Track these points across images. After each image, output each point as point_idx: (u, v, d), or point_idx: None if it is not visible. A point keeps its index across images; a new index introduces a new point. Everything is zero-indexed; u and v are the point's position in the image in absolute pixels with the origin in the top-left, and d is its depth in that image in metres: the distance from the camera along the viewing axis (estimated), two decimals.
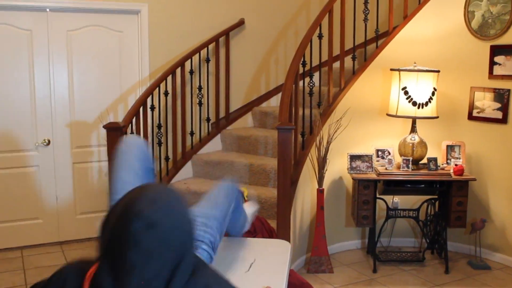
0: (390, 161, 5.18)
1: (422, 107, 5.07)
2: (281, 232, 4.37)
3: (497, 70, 5.23)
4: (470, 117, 5.46)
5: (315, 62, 5.38)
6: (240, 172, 5.53)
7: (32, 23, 5.51)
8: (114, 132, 4.68)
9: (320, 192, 5.06)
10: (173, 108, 5.71)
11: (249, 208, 3.41)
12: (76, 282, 1.66)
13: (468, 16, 5.40)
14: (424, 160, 5.24)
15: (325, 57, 5.37)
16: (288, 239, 4.36)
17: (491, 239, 5.45)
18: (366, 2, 5.43)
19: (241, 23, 6.26)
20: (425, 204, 5.42)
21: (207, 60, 5.96)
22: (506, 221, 5.32)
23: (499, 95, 5.21)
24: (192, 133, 5.92)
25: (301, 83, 5.19)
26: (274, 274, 2.44)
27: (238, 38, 6.34)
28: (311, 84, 5.13)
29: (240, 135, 5.97)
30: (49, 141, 5.70)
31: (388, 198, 5.42)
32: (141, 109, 5.12)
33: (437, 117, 5.20)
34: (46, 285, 1.77)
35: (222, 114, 6.24)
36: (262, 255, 2.68)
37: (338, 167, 5.46)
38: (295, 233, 4.99)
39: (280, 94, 4.89)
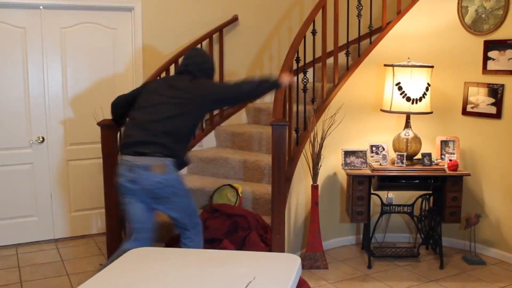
0: (384, 157, 5.18)
1: (416, 103, 5.08)
2: (276, 228, 4.36)
3: (490, 65, 5.23)
4: (464, 112, 5.46)
5: (309, 58, 5.38)
6: (235, 168, 5.53)
7: (26, 21, 5.49)
8: (108, 129, 4.67)
9: (314, 188, 5.06)
10: None
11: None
12: None
13: (461, 11, 5.40)
14: (419, 156, 5.25)
15: (318, 53, 5.36)
16: (282, 235, 4.36)
17: (486, 234, 5.46)
18: None
19: (234, 19, 6.25)
20: (420, 199, 5.42)
21: None
22: (501, 216, 5.33)
23: (493, 90, 5.21)
24: None
25: (294, 79, 5.19)
26: None
27: (231, 35, 6.33)
28: (305, 80, 5.12)
29: (235, 131, 5.96)
30: (43, 139, 5.68)
31: (383, 194, 5.43)
32: None
33: (431, 113, 5.20)
34: None
35: (216, 110, 6.22)
36: (264, 272, 2.47)
37: (332, 163, 5.47)
38: (290, 229, 4.99)
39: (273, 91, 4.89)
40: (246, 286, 2.28)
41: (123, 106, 4.29)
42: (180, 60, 5.24)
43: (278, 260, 2.71)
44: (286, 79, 4.16)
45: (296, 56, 4.98)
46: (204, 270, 2.52)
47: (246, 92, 4.01)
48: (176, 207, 3.92)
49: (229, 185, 5.16)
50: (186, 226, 4.01)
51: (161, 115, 3.86)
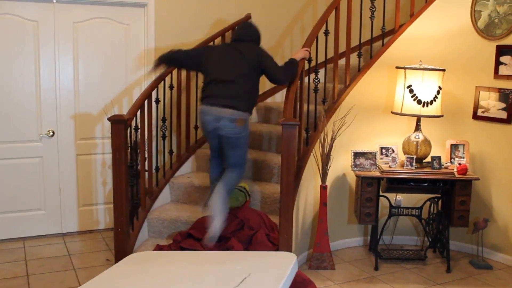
0: (394, 159, 5.18)
1: (427, 106, 5.07)
2: (284, 228, 4.36)
3: (502, 70, 5.21)
4: (475, 116, 5.45)
5: (321, 59, 5.38)
6: None
7: (39, 14, 5.51)
8: (119, 124, 4.67)
9: (323, 188, 5.06)
10: (178, 102, 5.70)
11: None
12: None
13: (474, 15, 5.39)
14: (428, 159, 5.24)
15: (330, 54, 5.36)
16: (290, 235, 4.35)
17: (493, 238, 5.45)
18: (372, 0, 5.43)
19: (247, 18, 6.25)
20: (428, 202, 5.42)
21: None
22: (509, 221, 5.31)
23: (504, 95, 5.20)
24: (197, 127, 5.91)
25: (306, 79, 5.19)
26: None
27: None
28: (316, 80, 5.12)
29: None
30: (53, 133, 5.70)
31: (391, 196, 5.43)
32: (146, 102, 5.11)
33: (442, 116, 5.19)
34: None
35: None
36: (259, 269, 2.47)
37: (341, 164, 5.46)
38: (298, 229, 4.99)
39: (285, 90, 4.89)
40: (241, 282, 2.30)
41: (180, 58, 4.95)
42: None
43: (274, 258, 2.75)
44: (301, 53, 4.94)
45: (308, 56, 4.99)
46: (200, 268, 2.55)
47: (284, 79, 4.75)
48: (235, 153, 4.68)
49: (237, 188, 5.10)
50: (232, 165, 4.74)
51: (239, 74, 4.58)
